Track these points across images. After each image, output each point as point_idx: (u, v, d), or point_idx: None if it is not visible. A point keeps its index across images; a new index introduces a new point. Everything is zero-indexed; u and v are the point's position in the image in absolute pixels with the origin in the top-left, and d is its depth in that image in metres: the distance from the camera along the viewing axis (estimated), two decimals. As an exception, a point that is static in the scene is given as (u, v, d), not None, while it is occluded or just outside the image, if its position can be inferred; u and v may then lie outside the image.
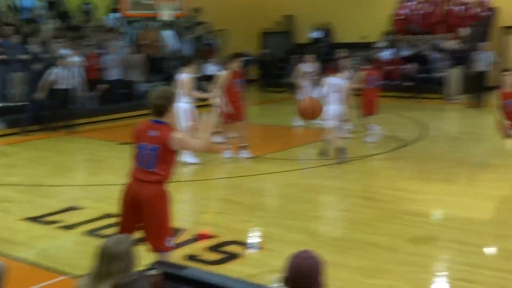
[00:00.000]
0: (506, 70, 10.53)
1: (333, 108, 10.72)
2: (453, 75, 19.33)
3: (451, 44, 20.89)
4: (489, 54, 17.75)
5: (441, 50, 20.88)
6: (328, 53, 24.58)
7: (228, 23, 25.73)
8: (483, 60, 17.70)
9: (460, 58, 19.67)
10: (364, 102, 12.86)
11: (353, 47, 24.19)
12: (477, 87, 17.98)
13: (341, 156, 10.78)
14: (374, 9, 24.74)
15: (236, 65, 11.18)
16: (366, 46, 23.27)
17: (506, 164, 10.62)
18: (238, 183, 9.78)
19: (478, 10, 21.68)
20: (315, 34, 25.69)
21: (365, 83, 12.79)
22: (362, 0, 25.04)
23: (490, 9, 22.03)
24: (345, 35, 25.45)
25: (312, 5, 26.36)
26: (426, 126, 14.82)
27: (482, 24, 21.58)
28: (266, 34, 26.56)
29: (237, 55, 11.51)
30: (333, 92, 10.72)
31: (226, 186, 9.82)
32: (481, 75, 17.85)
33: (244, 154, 11.56)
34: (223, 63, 14.43)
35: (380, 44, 22.71)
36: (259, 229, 7.33)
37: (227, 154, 11.48)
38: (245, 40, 27.55)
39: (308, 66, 15.23)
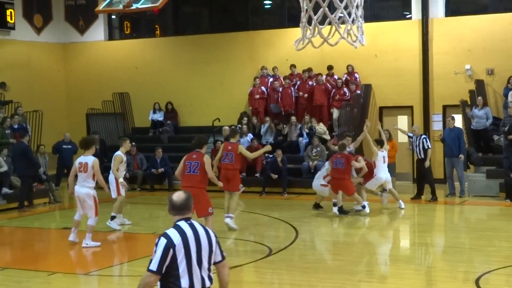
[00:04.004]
0: None
1: None
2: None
3: (322, 128, 21.89)
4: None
5: (311, 135, 21.83)
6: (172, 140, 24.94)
7: (42, 103, 25.38)
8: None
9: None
10: None
11: (202, 132, 24.73)
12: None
13: None
14: (227, 87, 25.62)
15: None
16: (220, 130, 23.81)
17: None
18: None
19: (350, 88, 22.97)
20: (155, 117, 25.94)
21: None
22: (210, 76, 25.89)
23: (363, 87, 23.49)
24: (191, 118, 25.98)
25: (149, 81, 26.80)
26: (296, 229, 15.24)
27: (354, 105, 22.88)
28: (93, 116, 26.43)
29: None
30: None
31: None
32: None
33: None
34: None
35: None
36: None
37: None
38: (66, 124, 27.25)
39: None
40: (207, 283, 5.67)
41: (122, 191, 15.25)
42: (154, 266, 5.54)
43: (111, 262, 12.65)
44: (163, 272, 5.54)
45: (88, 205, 13.30)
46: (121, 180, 14.87)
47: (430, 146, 19.12)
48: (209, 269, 5.72)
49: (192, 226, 5.70)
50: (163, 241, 5.57)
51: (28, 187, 19.15)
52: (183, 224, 5.70)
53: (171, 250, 5.53)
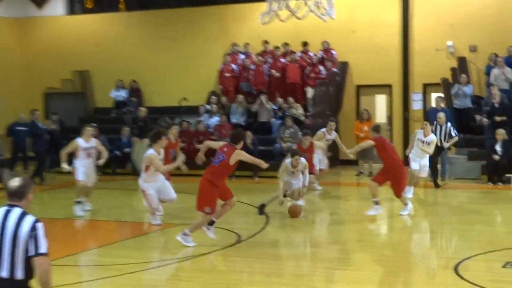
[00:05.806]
0: None
1: None
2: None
3: (289, 108, 21.69)
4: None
5: (283, 117, 21.53)
6: (136, 120, 24.38)
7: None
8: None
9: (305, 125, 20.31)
10: None
11: (169, 112, 24.25)
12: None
13: None
14: (195, 65, 25.17)
15: None
16: (187, 111, 23.45)
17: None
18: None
19: (325, 66, 22.73)
20: (118, 95, 25.45)
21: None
22: (178, 53, 25.52)
23: (340, 64, 23.26)
24: (157, 97, 25.55)
25: (112, 59, 26.35)
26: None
27: (330, 83, 22.64)
28: (52, 96, 26.04)
29: None
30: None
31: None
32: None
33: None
34: None
35: (204, 109, 23.00)
36: None
37: None
38: (21, 104, 26.64)
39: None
40: (4, 273, 5.66)
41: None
42: None
43: (69, 251, 12.17)
44: None
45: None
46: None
47: (457, 134, 18.48)
48: (12, 262, 5.66)
49: (6, 214, 5.71)
50: None
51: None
52: (1, 210, 5.77)
53: None
